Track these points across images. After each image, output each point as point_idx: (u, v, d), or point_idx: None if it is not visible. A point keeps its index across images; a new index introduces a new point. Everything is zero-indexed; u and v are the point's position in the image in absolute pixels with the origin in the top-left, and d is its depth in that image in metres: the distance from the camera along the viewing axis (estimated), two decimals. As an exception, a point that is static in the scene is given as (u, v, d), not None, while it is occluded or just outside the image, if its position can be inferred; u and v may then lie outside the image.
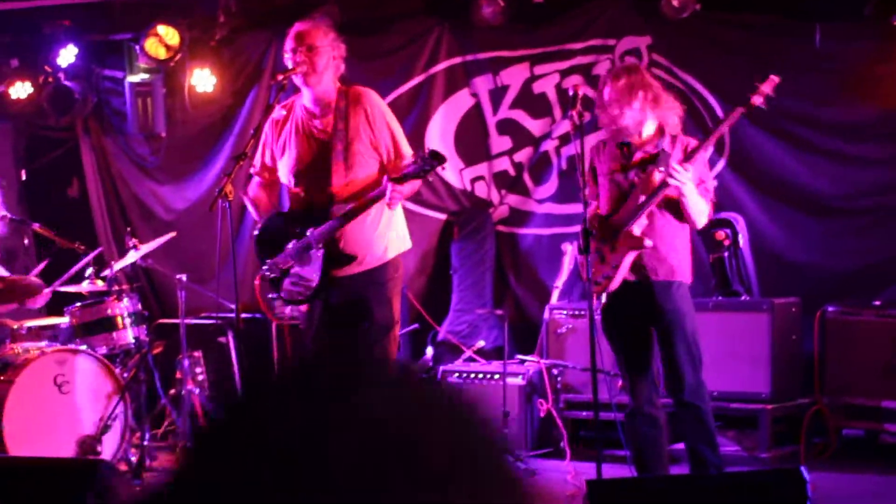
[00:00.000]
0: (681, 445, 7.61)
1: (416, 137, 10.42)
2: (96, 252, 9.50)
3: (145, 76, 11.23)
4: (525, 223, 10.78)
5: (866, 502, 8.20)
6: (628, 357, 7.21)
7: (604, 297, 7.06)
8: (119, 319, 8.95)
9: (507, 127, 10.80)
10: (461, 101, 10.94)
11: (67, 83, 11.29)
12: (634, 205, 6.98)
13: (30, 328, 9.24)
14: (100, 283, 9.16)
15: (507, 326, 9.49)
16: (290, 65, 7.15)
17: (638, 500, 4.83)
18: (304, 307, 7.39)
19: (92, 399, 8.62)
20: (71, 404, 8.54)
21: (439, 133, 10.89)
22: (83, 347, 8.77)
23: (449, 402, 1.65)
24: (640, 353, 7.16)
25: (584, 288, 8.16)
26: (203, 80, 11.17)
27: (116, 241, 11.33)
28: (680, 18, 9.81)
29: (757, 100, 7.16)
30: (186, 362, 9.27)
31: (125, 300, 9.01)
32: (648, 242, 6.92)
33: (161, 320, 10.42)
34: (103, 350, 8.88)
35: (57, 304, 9.65)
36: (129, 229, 10.06)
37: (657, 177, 6.90)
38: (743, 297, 9.34)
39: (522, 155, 10.75)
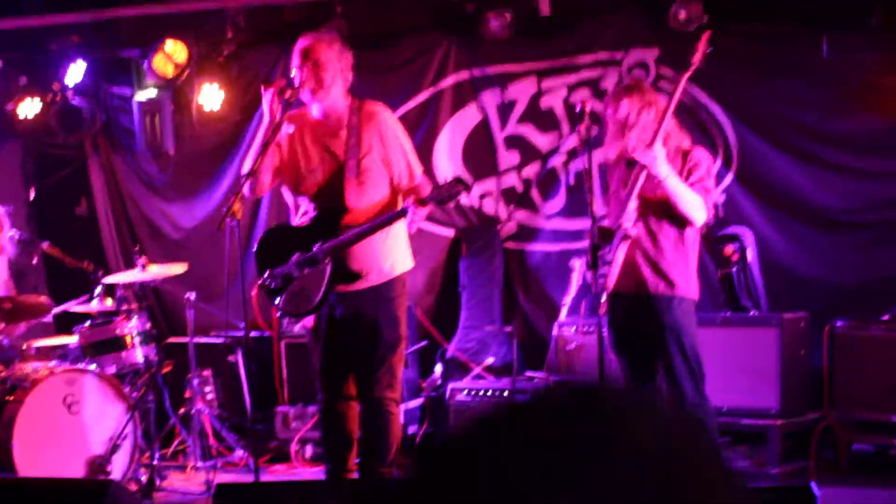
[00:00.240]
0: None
1: (425, 152, 10.44)
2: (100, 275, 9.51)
3: (153, 93, 11.25)
4: (533, 239, 10.78)
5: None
6: (633, 372, 7.22)
7: (603, 297, 7.02)
8: (128, 339, 8.96)
9: (515, 142, 10.80)
10: (469, 116, 10.94)
11: (76, 101, 11.32)
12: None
13: (39, 348, 9.25)
14: (109, 302, 9.18)
15: (515, 343, 9.50)
16: (297, 81, 7.15)
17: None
18: (310, 324, 7.39)
19: (101, 419, 8.62)
20: (80, 424, 8.54)
21: (447, 148, 10.90)
22: (92, 367, 8.77)
23: (699, 439, 1.66)
24: (644, 367, 7.16)
25: (592, 304, 8.16)
26: (211, 96, 11.17)
27: (125, 260, 11.34)
28: (687, 31, 9.80)
29: (697, 58, 7.14)
30: (196, 381, 9.29)
31: (134, 319, 9.02)
32: (633, 231, 6.93)
33: (170, 339, 10.45)
34: (112, 369, 8.89)
35: (66, 324, 9.67)
36: (137, 247, 10.07)
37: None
38: (751, 313, 9.32)
39: (530, 170, 10.74)
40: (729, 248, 9.41)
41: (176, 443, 9.77)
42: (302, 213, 7.33)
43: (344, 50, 7.29)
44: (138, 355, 9.00)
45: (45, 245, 9.63)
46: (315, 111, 7.27)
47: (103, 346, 8.98)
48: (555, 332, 9.62)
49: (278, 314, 7.48)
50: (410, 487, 1.62)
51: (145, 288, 9.94)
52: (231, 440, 9.59)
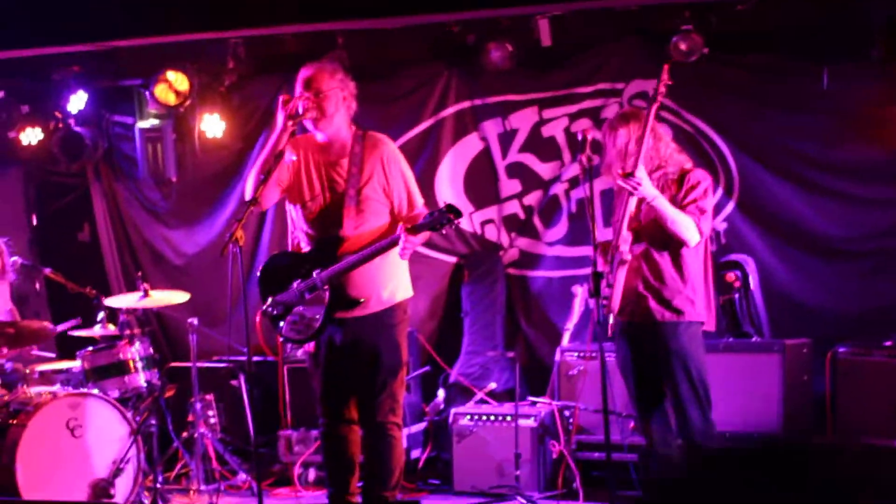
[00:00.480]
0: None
1: (426, 181, 10.47)
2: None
3: (155, 122, 11.29)
4: (535, 266, 10.79)
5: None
6: (640, 397, 7.22)
7: (611, 318, 7.04)
8: (131, 363, 8.98)
9: (516, 170, 10.83)
10: (470, 145, 10.97)
11: (78, 129, 11.35)
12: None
13: (42, 372, 9.26)
14: (111, 327, 9.19)
15: (518, 368, 9.50)
16: (300, 110, 7.18)
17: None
18: (311, 349, 7.42)
19: (104, 442, 8.62)
20: (83, 448, 8.54)
21: (449, 177, 10.93)
22: (95, 391, 8.78)
23: None
24: (650, 393, 7.18)
25: (594, 330, 8.17)
26: (213, 125, 11.20)
27: (127, 286, 11.36)
28: (687, 62, 9.84)
29: (660, 90, 7.18)
30: (198, 405, 9.29)
31: (137, 344, 9.04)
32: (628, 256, 6.97)
33: (173, 364, 10.46)
34: (115, 394, 8.89)
35: (69, 349, 9.67)
36: (139, 273, 10.09)
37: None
38: (754, 339, 9.35)
39: (532, 198, 10.77)
40: (731, 276, 9.44)
41: (179, 466, 9.77)
42: (306, 240, 7.37)
43: (346, 80, 7.34)
44: (141, 379, 9.02)
45: (47, 271, 9.66)
46: (319, 139, 7.31)
47: (106, 370, 8.99)
48: (557, 357, 9.63)
49: (281, 340, 7.52)
50: None
51: (148, 313, 9.97)
52: (234, 464, 9.59)
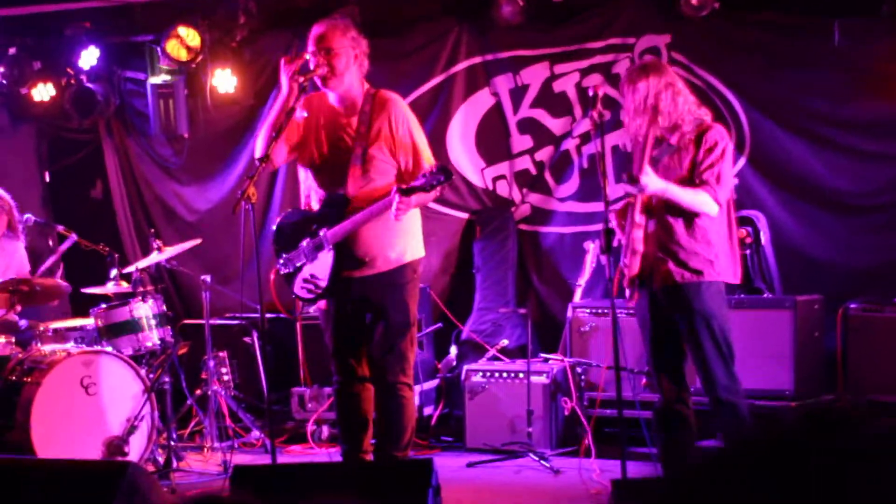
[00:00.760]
0: (709, 442, 7.62)
1: (438, 137, 10.47)
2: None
3: (167, 77, 11.29)
4: (547, 222, 10.80)
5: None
6: (655, 353, 7.20)
7: (626, 291, 7.03)
8: (144, 321, 8.98)
9: (527, 126, 10.82)
10: (482, 101, 10.96)
11: (90, 85, 11.36)
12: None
13: (55, 330, 9.27)
14: (124, 284, 9.21)
15: (530, 325, 9.51)
16: (310, 66, 7.16)
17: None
18: (323, 306, 7.43)
19: (118, 400, 8.64)
20: (97, 406, 8.57)
21: (460, 132, 10.92)
22: (109, 349, 8.80)
23: None
24: (667, 349, 7.15)
25: (606, 286, 8.18)
26: (224, 80, 11.20)
27: (140, 242, 11.41)
28: (699, 17, 9.82)
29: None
30: (212, 363, 9.32)
31: (150, 302, 9.05)
32: (641, 220, 6.93)
33: (186, 321, 10.50)
34: (129, 351, 8.90)
35: (82, 306, 9.70)
36: (152, 230, 10.13)
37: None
38: (765, 295, 9.35)
39: (543, 154, 10.76)
40: (742, 231, 9.42)
41: (193, 424, 9.81)
42: (315, 198, 7.37)
43: (359, 37, 7.27)
44: (154, 337, 9.03)
45: (60, 228, 9.69)
46: (331, 97, 7.29)
47: (119, 328, 8.99)
48: (569, 314, 9.63)
49: (293, 297, 7.55)
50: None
51: (161, 270, 9.98)
52: (248, 421, 9.63)
